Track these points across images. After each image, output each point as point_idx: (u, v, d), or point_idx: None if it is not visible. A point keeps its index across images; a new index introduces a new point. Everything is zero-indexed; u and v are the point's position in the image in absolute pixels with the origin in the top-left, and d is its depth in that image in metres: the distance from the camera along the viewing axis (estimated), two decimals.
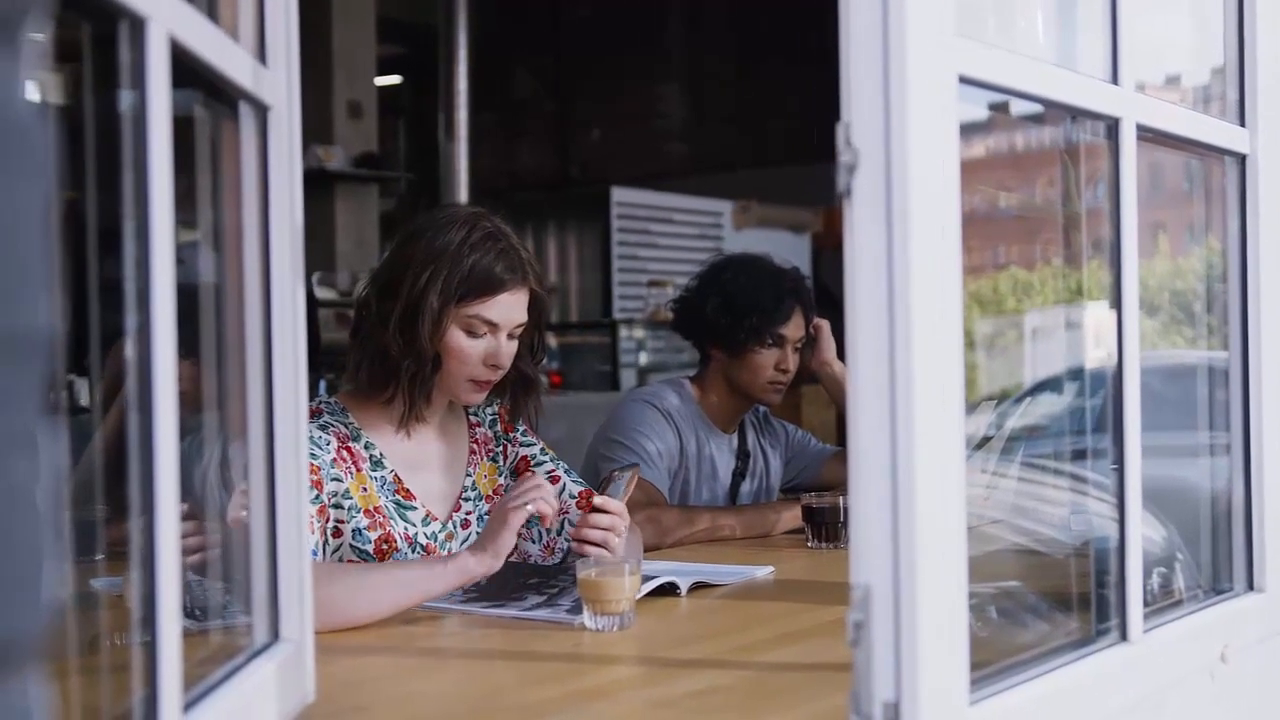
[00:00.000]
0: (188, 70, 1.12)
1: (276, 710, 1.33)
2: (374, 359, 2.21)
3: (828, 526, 2.66)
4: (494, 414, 2.44)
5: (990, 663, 1.33)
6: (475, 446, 2.39)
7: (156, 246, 1.02)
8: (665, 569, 2.18)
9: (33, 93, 0.58)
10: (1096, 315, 1.84)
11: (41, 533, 0.56)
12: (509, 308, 2.21)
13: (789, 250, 6.26)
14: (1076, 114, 1.55)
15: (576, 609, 1.92)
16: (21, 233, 0.55)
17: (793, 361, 3.04)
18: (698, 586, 2.19)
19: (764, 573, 2.36)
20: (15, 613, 0.55)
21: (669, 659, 1.76)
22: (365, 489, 2.19)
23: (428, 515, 2.25)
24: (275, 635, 1.38)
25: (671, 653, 1.80)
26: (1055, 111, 1.59)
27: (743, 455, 3.17)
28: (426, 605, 1.99)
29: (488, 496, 2.36)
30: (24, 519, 0.55)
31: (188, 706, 1.10)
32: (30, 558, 0.56)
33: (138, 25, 1.00)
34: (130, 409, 1.02)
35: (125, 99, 1.02)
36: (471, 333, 2.20)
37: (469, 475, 2.36)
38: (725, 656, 1.76)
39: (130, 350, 1.02)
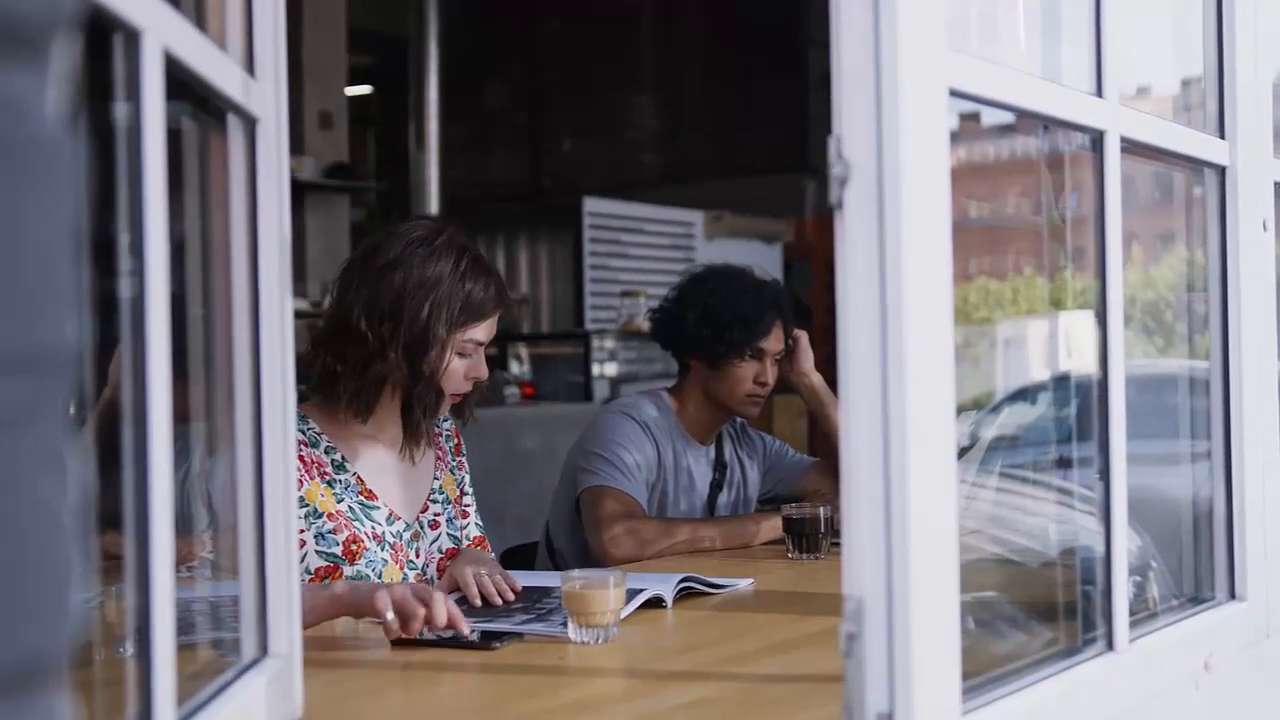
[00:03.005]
0: (177, 82, 1.11)
1: None
2: (374, 384, 2.26)
3: (808, 537, 2.66)
4: (449, 430, 2.52)
5: (980, 673, 1.34)
6: (440, 453, 2.47)
7: (151, 258, 1.01)
8: (650, 580, 2.18)
9: (60, 108, 0.57)
10: (1069, 325, 1.86)
11: (69, 550, 0.56)
12: (493, 326, 2.34)
13: (760, 261, 6.25)
14: (1063, 126, 1.56)
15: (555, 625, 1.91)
16: (52, 249, 0.55)
17: (771, 374, 3.05)
18: (685, 593, 2.19)
19: (745, 584, 2.36)
20: (45, 630, 0.55)
21: (656, 671, 1.76)
22: (324, 494, 2.24)
23: (391, 515, 2.31)
24: (264, 650, 1.37)
25: (658, 665, 1.80)
26: (1028, 122, 1.60)
27: (720, 466, 3.17)
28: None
29: (454, 501, 2.45)
30: (52, 537, 0.55)
31: None
32: (59, 575, 0.55)
33: (132, 37, 0.99)
34: (125, 422, 1.02)
35: (119, 110, 1.02)
36: (462, 354, 2.30)
37: (436, 479, 2.43)
38: (712, 668, 1.75)
39: (124, 363, 1.01)
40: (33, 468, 0.54)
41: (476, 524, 2.52)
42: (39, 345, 0.54)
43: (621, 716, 1.56)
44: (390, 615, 1.81)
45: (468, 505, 2.52)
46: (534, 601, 2.13)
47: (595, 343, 7.47)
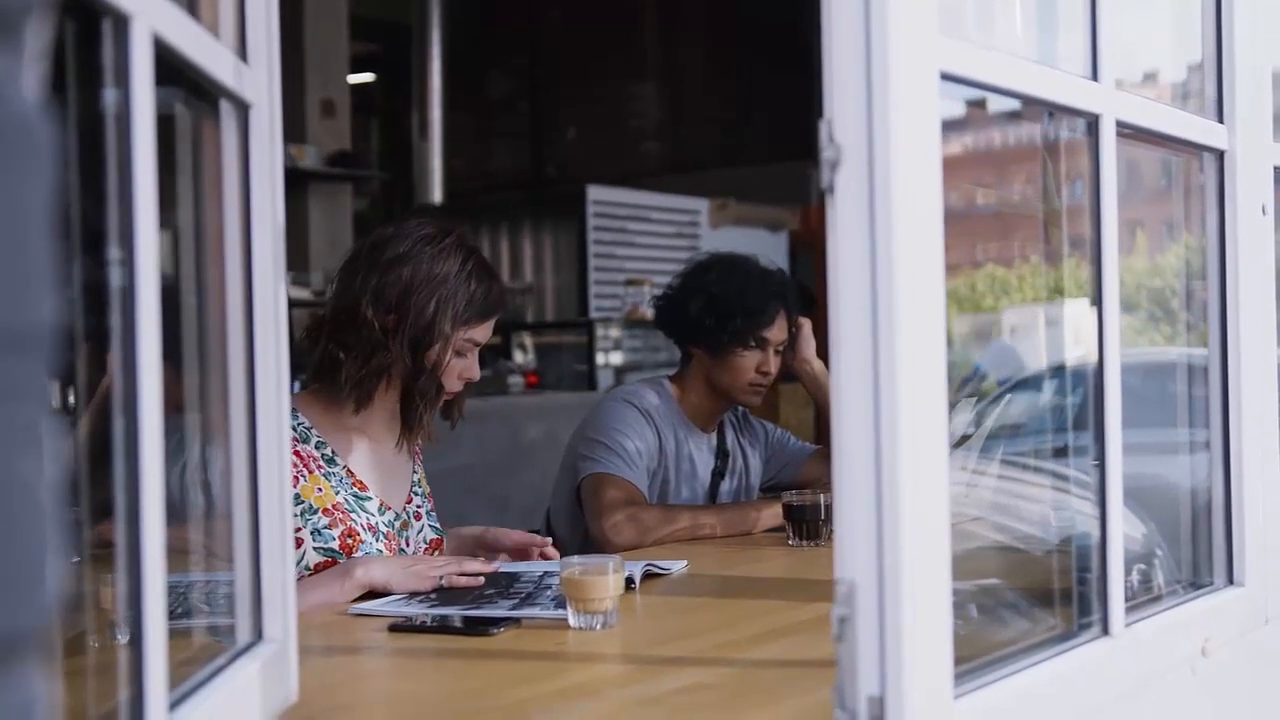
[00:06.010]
0: (168, 68, 1.11)
1: (260, 710, 1.32)
2: (376, 375, 2.29)
3: (808, 524, 2.66)
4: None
5: (974, 657, 1.34)
6: (417, 451, 2.51)
7: (140, 246, 1.01)
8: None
9: (35, 90, 0.58)
10: (1074, 313, 1.85)
11: (46, 526, 0.56)
12: (490, 329, 2.39)
13: (765, 248, 6.26)
14: (1057, 110, 1.56)
15: (561, 604, 1.92)
16: (28, 229, 0.55)
17: (774, 364, 3.04)
18: (649, 576, 2.25)
19: (678, 567, 2.39)
20: (21, 607, 0.55)
21: (653, 657, 1.76)
22: (320, 489, 2.27)
23: (382, 505, 2.35)
24: (259, 635, 1.37)
25: (655, 650, 1.80)
26: (1033, 108, 1.60)
27: (722, 454, 3.17)
28: (407, 615, 1.98)
29: (428, 494, 2.51)
30: (31, 513, 0.56)
31: (173, 706, 1.09)
32: (36, 552, 0.56)
33: (121, 23, 0.99)
34: (113, 410, 1.02)
35: (108, 96, 1.02)
36: (459, 353, 2.34)
37: (415, 473, 2.48)
38: (709, 654, 1.76)
39: (115, 352, 1.01)
40: (10, 445, 0.55)
41: (433, 527, 2.53)
42: (15, 324, 0.55)
43: (616, 701, 1.56)
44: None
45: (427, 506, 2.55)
46: (507, 587, 2.14)
47: (600, 331, 7.47)
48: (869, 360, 1.17)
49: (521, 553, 2.44)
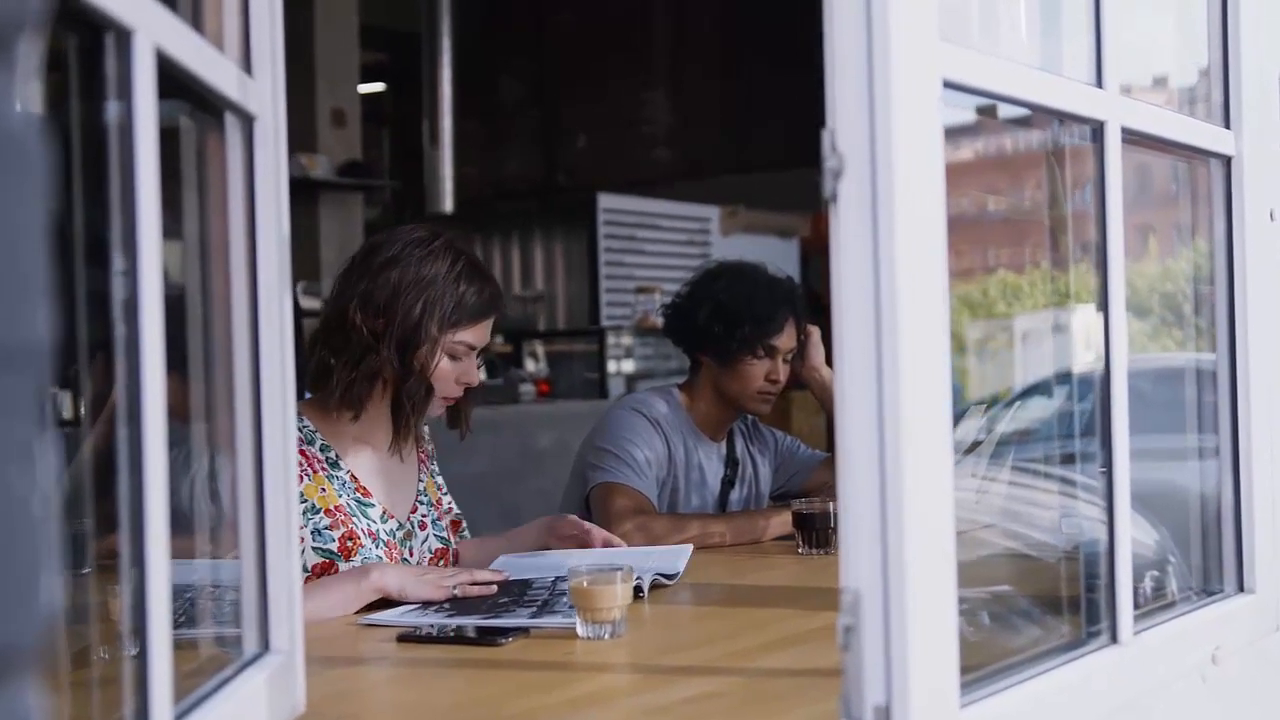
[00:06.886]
0: (172, 81, 1.11)
1: None
2: (366, 379, 2.29)
3: (818, 532, 2.66)
4: (428, 434, 2.58)
5: (981, 666, 1.33)
6: (423, 458, 2.51)
7: (144, 258, 1.01)
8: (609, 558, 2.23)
9: (29, 104, 0.58)
10: (1085, 318, 1.85)
11: (39, 542, 0.56)
12: (487, 331, 2.37)
13: (776, 255, 6.26)
14: (1061, 117, 1.56)
15: (573, 614, 1.91)
16: (20, 244, 0.55)
17: (783, 372, 3.04)
18: (656, 586, 2.24)
19: (684, 556, 2.41)
20: (14, 621, 0.55)
21: (661, 666, 1.76)
22: (324, 490, 2.28)
23: (385, 513, 2.35)
24: (265, 646, 1.37)
25: (664, 660, 1.80)
26: (1042, 115, 1.60)
27: (731, 463, 3.17)
28: (421, 625, 1.98)
29: (435, 504, 2.49)
30: (22, 528, 0.56)
31: (179, 718, 1.09)
32: (29, 567, 0.56)
33: (124, 36, 0.99)
34: (119, 421, 1.02)
35: (111, 109, 1.02)
36: (453, 356, 2.33)
37: (420, 481, 2.48)
38: (717, 663, 1.75)
39: (119, 363, 1.02)
40: (3, 461, 0.55)
41: (439, 535, 2.52)
42: (9, 341, 0.55)
43: (625, 711, 1.56)
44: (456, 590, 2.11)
45: (449, 500, 2.56)
46: (520, 595, 2.14)
47: (611, 339, 7.47)
48: (873, 368, 1.17)
49: (580, 541, 2.46)
